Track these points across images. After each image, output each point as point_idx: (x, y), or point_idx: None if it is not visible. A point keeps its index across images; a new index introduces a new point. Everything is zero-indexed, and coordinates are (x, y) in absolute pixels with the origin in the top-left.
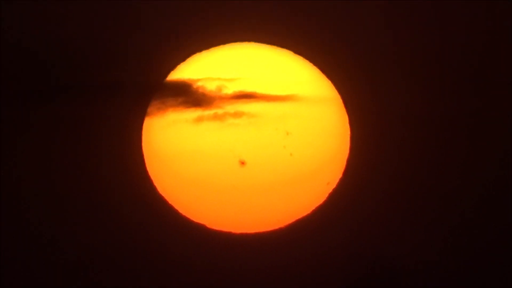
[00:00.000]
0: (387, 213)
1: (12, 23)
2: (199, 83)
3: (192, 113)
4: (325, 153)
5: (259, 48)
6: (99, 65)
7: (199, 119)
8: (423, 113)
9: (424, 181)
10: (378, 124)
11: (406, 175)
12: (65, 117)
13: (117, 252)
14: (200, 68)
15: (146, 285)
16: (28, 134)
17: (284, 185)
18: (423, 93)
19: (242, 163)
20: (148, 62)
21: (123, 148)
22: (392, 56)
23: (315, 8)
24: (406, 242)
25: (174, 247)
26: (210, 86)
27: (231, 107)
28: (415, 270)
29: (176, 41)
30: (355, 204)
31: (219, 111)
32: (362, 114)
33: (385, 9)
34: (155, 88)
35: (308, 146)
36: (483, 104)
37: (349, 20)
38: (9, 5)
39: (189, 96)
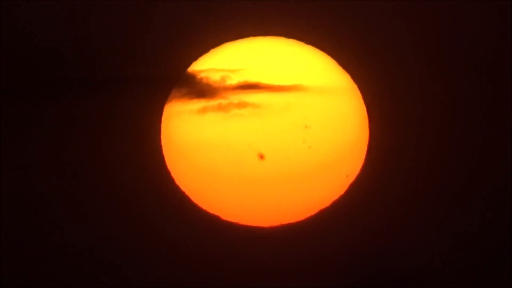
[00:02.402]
0: (408, 206)
1: (22, 9)
2: (203, 74)
3: (196, 104)
4: (343, 145)
5: (272, 41)
6: (114, 59)
7: (203, 110)
8: (444, 103)
9: (447, 173)
10: (397, 114)
11: (426, 166)
12: (79, 111)
13: (132, 239)
14: (223, 59)
15: (159, 275)
16: (42, 128)
17: (302, 178)
18: (443, 83)
19: (261, 156)
20: (167, 55)
21: (141, 140)
22: (410, 43)
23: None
24: (427, 237)
25: (188, 237)
26: (214, 77)
27: (235, 98)
28: (435, 266)
29: (194, 36)
30: (374, 196)
31: (223, 101)
32: (380, 104)
33: None
34: (172, 80)
35: (326, 138)
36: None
37: (365, 9)
38: None
39: (192, 87)
